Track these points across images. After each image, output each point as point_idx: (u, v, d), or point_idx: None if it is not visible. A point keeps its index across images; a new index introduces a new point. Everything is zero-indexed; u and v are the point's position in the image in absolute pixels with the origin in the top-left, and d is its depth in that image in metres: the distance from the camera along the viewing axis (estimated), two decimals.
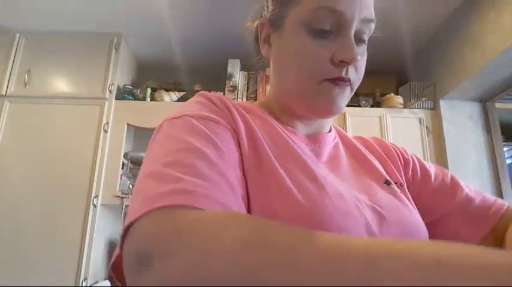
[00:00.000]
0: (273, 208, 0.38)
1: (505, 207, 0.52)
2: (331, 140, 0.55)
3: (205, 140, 0.38)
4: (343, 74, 0.46)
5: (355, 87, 0.49)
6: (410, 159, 0.59)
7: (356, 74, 0.48)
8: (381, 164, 0.56)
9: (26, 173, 2.00)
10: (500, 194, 2.05)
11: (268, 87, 0.64)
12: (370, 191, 0.47)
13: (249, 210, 0.39)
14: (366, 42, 0.49)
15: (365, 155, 0.55)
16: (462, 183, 0.57)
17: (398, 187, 0.52)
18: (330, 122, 0.57)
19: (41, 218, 1.92)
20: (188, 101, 0.48)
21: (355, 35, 0.46)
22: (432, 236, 0.47)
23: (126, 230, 0.29)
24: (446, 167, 2.09)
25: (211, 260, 0.23)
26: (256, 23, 0.56)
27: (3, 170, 2.01)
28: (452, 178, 0.57)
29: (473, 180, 2.07)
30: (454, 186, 0.56)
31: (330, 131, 0.57)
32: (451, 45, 2.08)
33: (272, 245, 0.22)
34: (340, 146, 0.55)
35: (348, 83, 0.47)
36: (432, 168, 0.59)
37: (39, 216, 1.92)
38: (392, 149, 0.60)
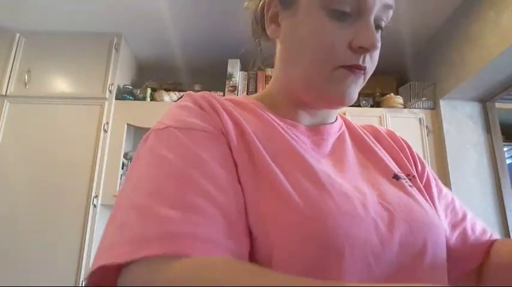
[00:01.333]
0: (272, 215, 0.36)
1: (495, 241, 0.51)
2: (335, 130, 0.51)
3: (192, 160, 0.36)
4: (360, 62, 0.43)
5: (368, 77, 0.46)
6: (426, 169, 0.56)
7: (371, 63, 0.45)
8: (391, 156, 0.52)
9: (26, 173, 2.00)
10: (500, 194, 2.05)
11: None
12: (378, 187, 0.44)
13: (248, 217, 0.37)
14: (383, 29, 0.46)
15: (372, 147, 0.52)
16: (468, 212, 0.54)
17: (410, 180, 0.49)
18: (336, 112, 0.53)
19: (41, 218, 1.92)
20: (176, 103, 0.45)
21: (373, 21, 0.43)
22: None
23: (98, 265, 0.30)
24: (446, 167, 2.09)
25: None
26: (261, 1, 0.52)
27: (3, 170, 2.01)
28: (460, 205, 0.55)
29: (473, 180, 2.07)
30: (463, 215, 0.53)
31: (335, 121, 0.53)
32: (451, 45, 2.08)
33: None
34: (347, 137, 0.52)
35: (362, 71, 0.44)
36: (444, 189, 0.56)
37: (39, 216, 1.92)
38: (405, 145, 0.57)
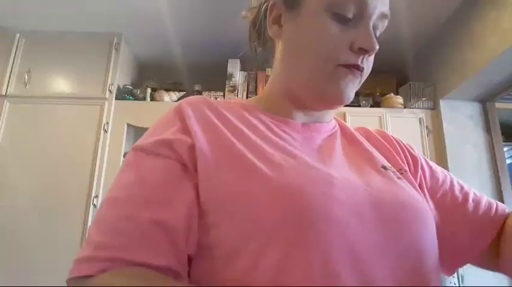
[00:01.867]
0: (250, 194, 0.38)
1: (506, 212, 0.52)
2: (328, 129, 0.53)
3: (139, 183, 0.41)
4: (359, 62, 0.46)
5: (363, 80, 0.49)
6: (418, 158, 0.58)
7: (367, 65, 0.48)
8: (382, 153, 0.54)
9: (26, 173, 2.00)
10: (500, 194, 2.05)
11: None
12: (364, 176, 0.46)
13: (225, 214, 0.39)
14: (377, 38, 0.49)
15: (362, 144, 0.54)
16: (469, 189, 0.56)
17: (402, 173, 0.50)
18: (331, 113, 0.56)
19: (41, 218, 1.92)
20: (161, 117, 0.49)
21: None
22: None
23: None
24: (446, 167, 2.09)
25: None
26: (264, 5, 0.54)
27: (3, 170, 2.01)
28: (460, 184, 0.56)
29: (473, 180, 2.07)
30: (464, 194, 0.54)
31: (330, 121, 0.55)
32: (451, 45, 2.08)
33: None
34: (338, 135, 0.54)
35: (360, 72, 0.47)
36: (438, 169, 0.58)
37: (39, 216, 1.92)
38: (395, 142, 0.59)
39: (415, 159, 0.57)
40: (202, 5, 2.02)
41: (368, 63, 0.48)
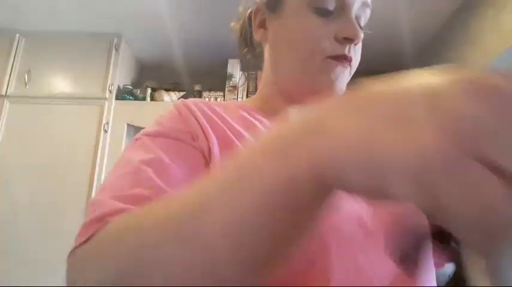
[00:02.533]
0: None
1: None
2: None
3: (151, 160, 0.39)
4: (346, 52, 0.47)
5: (353, 71, 0.50)
6: None
7: (355, 55, 0.49)
8: None
9: (26, 173, 2.00)
10: None
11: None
12: None
13: None
14: (363, 28, 0.50)
15: None
16: None
17: None
18: None
19: (41, 218, 1.92)
20: (163, 114, 0.49)
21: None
22: None
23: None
24: None
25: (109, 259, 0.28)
26: (248, 11, 0.56)
27: (3, 170, 2.01)
28: None
29: None
30: None
31: None
32: (451, 45, 2.08)
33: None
34: None
35: (349, 62, 0.48)
36: None
37: (39, 216, 1.92)
38: None
39: None
40: (202, 5, 2.02)
41: (356, 53, 0.49)
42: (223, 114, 0.48)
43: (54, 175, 1.99)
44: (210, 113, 0.47)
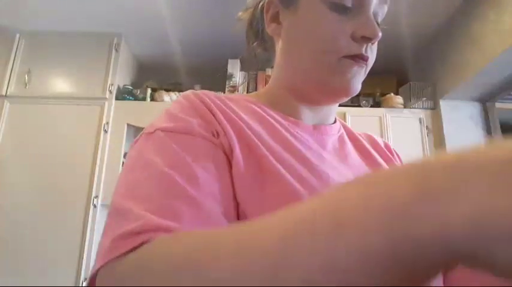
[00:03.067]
0: (269, 201, 0.37)
1: None
2: (335, 131, 0.52)
3: (175, 162, 0.36)
4: (363, 51, 0.45)
5: (368, 69, 0.48)
6: None
7: (371, 54, 0.46)
8: (385, 162, 0.54)
9: (26, 173, 2.00)
10: None
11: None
12: None
13: (242, 213, 0.37)
14: (379, 25, 0.48)
15: (371, 152, 0.53)
16: None
17: None
18: (334, 113, 0.55)
19: (41, 218, 1.92)
20: (172, 103, 0.45)
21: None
22: None
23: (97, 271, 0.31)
24: None
25: None
26: (260, 3, 0.53)
27: (3, 170, 2.01)
28: None
29: None
30: None
31: (334, 122, 0.54)
32: (451, 45, 2.08)
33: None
34: (346, 138, 0.53)
35: (365, 62, 0.45)
36: None
37: (39, 216, 1.92)
38: (398, 157, 0.58)
39: None
40: (202, 5, 2.02)
41: (372, 52, 0.47)
42: (237, 109, 0.45)
43: (54, 174, 1.99)
44: (224, 107, 0.44)
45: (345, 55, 0.44)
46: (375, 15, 0.46)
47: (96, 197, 1.97)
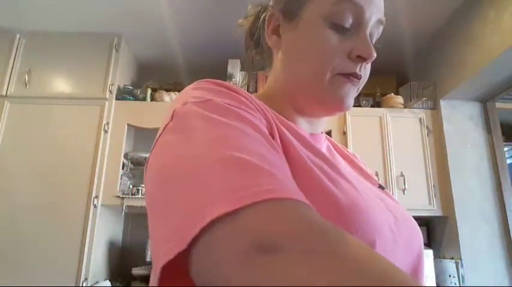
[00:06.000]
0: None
1: None
2: (324, 140, 0.55)
3: (251, 126, 0.34)
4: (357, 70, 0.47)
5: (361, 88, 0.50)
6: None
7: (365, 74, 0.49)
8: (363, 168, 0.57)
9: (26, 174, 2.00)
10: (500, 194, 2.05)
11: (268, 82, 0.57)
12: (376, 193, 0.47)
13: None
14: (374, 45, 0.49)
15: (354, 160, 0.56)
16: None
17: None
18: (324, 124, 0.57)
19: (41, 219, 1.92)
20: (196, 87, 0.41)
21: None
22: None
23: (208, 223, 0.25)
24: (447, 167, 2.09)
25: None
26: (262, 15, 0.55)
27: (3, 171, 2.01)
28: None
29: (473, 180, 2.07)
30: None
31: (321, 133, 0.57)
32: (451, 45, 2.08)
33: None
34: (332, 148, 0.56)
35: (358, 81, 0.48)
36: None
37: (39, 216, 1.92)
38: (362, 161, 0.61)
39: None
40: (202, 5, 2.02)
41: (365, 71, 0.49)
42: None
43: (54, 175, 1.99)
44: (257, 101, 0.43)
45: (339, 72, 0.46)
46: (371, 35, 0.48)
47: (96, 197, 1.97)
